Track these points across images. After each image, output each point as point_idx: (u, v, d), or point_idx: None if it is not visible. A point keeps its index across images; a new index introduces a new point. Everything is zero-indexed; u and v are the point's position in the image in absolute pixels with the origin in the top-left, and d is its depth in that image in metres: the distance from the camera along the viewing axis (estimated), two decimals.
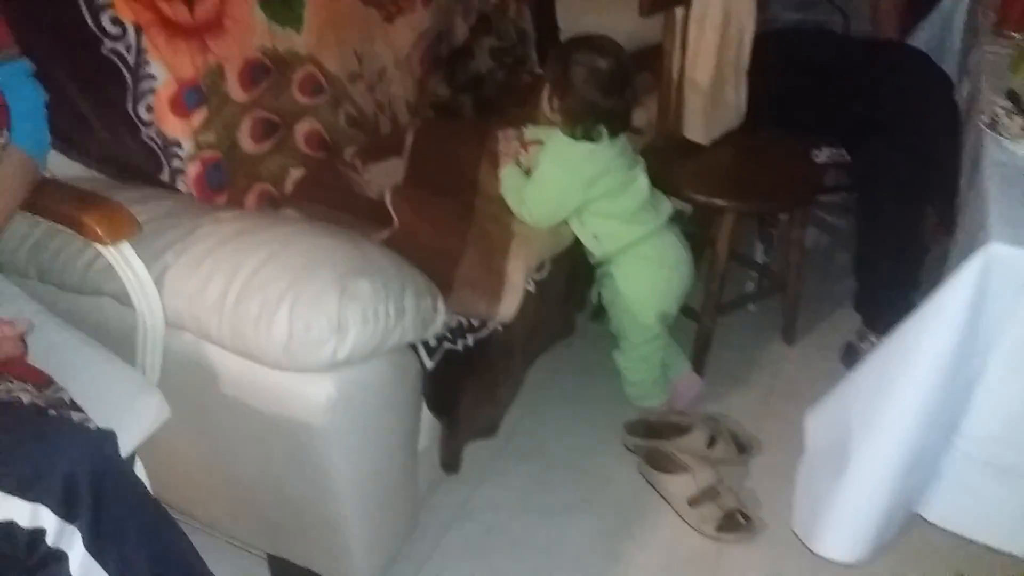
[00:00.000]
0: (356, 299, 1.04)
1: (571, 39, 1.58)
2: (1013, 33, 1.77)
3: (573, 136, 1.52)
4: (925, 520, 1.30)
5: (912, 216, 1.82)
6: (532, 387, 1.76)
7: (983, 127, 1.34)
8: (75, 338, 1.11)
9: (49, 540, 0.80)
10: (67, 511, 0.80)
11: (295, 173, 1.53)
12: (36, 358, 1.03)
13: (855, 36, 2.07)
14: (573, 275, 1.66)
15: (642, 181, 1.61)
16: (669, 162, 1.79)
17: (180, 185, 1.35)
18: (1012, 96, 1.45)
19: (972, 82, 1.68)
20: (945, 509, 1.27)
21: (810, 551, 1.34)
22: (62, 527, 0.80)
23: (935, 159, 1.74)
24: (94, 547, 0.82)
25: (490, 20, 1.97)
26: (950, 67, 1.99)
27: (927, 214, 1.87)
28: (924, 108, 1.78)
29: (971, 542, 1.31)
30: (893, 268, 1.83)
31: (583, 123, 1.51)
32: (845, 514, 1.25)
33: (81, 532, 0.81)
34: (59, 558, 0.81)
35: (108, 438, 0.87)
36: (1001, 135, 1.31)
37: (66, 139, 1.22)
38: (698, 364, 1.87)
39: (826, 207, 2.61)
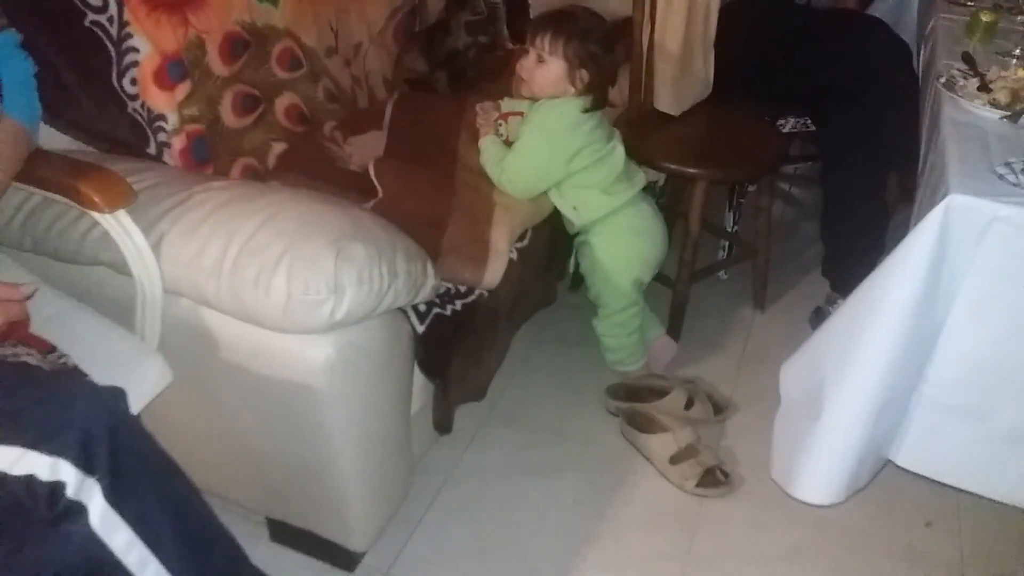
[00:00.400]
0: (351, 261, 1.07)
1: (576, 12, 1.60)
2: (966, 1, 1.85)
3: (584, 109, 1.57)
4: (897, 468, 1.36)
5: (875, 181, 1.89)
6: (517, 355, 1.80)
7: (940, 88, 1.41)
8: (73, 307, 1.12)
9: (69, 492, 0.82)
10: (86, 464, 0.82)
11: (277, 147, 1.55)
12: (36, 328, 1.05)
13: (817, 7, 2.13)
14: (553, 244, 1.70)
15: (619, 152, 1.65)
16: (642, 133, 1.84)
17: (166, 158, 1.36)
18: (967, 58, 1.52)
19: (929, 48, 1.75)
20: (913, 453, 1.34)
21: (786, 504, 1.41)
22: (81, 480, 0.82)
23: (897, 125, 1.81)
24: (113, 499, 0.84)
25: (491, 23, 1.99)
26: (908, 37, 2.06)
27: (890, 180, 1.94)
28: (885, 76, 1.85)
29: (941, 489, 1.39)
30: (858, 233, 1.90)
31: (604, 91, 1.59)
32: (820, 459, 1.30)
33: (100, 484, 0.83)
34: (79, 510, 0.83)
35: (118, 394, 0.89)
36: (957, 95, 1.37)
37: (54, 112, 1.22)
38: (674, 329, 1.93)
39: (791, 179, 2.70)
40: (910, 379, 1.25)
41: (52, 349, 1.02)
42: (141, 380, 1.06)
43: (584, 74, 1.57)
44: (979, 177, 1.14)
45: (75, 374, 0.98)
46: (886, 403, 1.24)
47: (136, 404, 1.04)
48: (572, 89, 1.58)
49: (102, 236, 1.11)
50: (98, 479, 0.84)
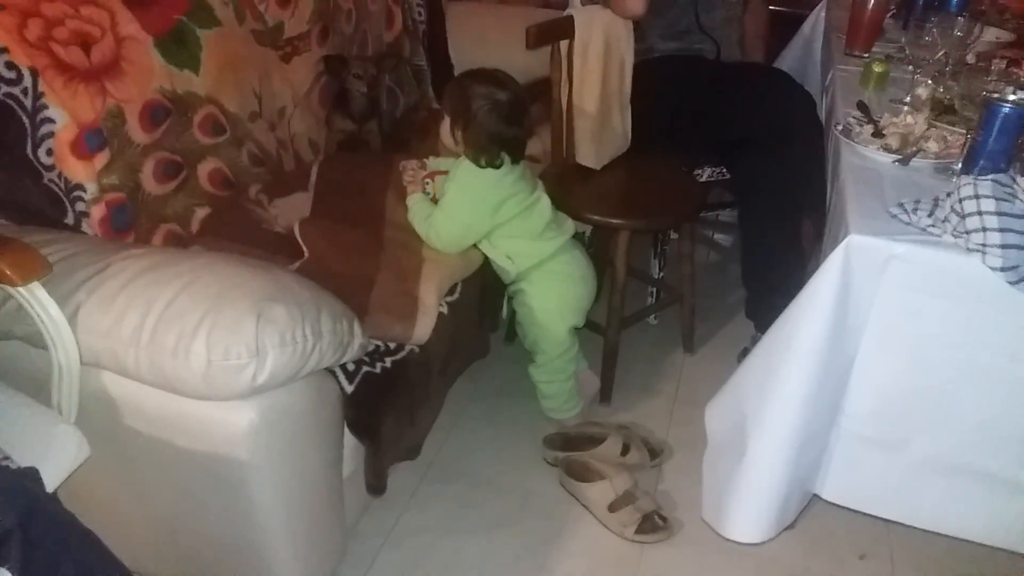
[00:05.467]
0: (273, 323, 1.07)
1: (466, 73, 1.65)
2: (860, 53, 1.98)
3: (478, 164, 1.58)
4: (828, 502, 1.40)
5: (789, 224, 1.97)
6: (452, 410, 1.81)
7: (838, 134, 1.49)
8: None
9: None
10: None
11: (200, 212, 1.55)
12: None
13: (726, 62, 2.24)
14: (484, 297, 1.72)
15: (545, 201, 1.69)
16: (565, 187, 1.89)
17: (85, 228, 1.35)
18: (862, 107, 1.61)
19: (830, 97, 1.86)
20: (837, 486, 1.38)
21: (725, 546, 1.43)
22: None
23: (805, 171, 1.89)
24: None
25: (385, 59, 2.04)
26: (813, 87, 2.18)
27: (804, 224, 2.03)
28: (792, 125, 1.94)
29: (873, 521, 1.43)
30: (777, 274, 1.97)
31: (487, 151, 1.58)
32: (747, 497, 1.33)
33: (12, 573, 0.80)
34: None
35: (31, 476, 0.87)
36: (854, 141, 1.46)
37: None
38: (607, 376, 1.95)
39: (714, 225, 2.79)
40: (828, 413, 1.30)
41: None
42: (58, 455, 1.03)
43: (458, 133, 1.60)
44: (875, 217, 1.21)
45: None
46: (806, 438, 1.28)
47: (53, 480, 1.01)
48: (459, 145, 1.61)
49: (16, 309, 1.09)
50: (9, 568, 0.81)
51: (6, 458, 0.94)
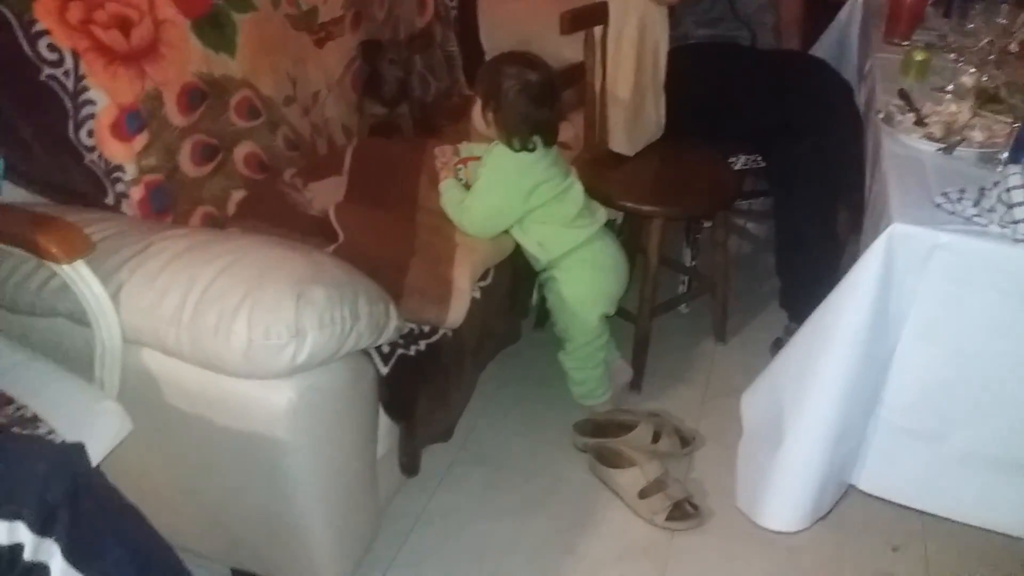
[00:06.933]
0: (312, 304, 1.07)
1: (499, 55, 1.64)
2: (900, 42, 1.94)
3: (511, 147, 1.58)
4: (863, 493, 1.39)
5: (825, 214, 1.95)
6: (484, 395, 1.81)
7: (880, 122, 1.47)
8: (31, 359, 1.11)
9: (27, 555, 0.80)
10: (43, 526, 0.80)
11: (237, 195, 1.56)
12: None
13: (761, 48, 2.21)
14: (515, 283, 1.72)
15: (578, 188, 1.69)
16: (598, 173, 1.88)
17: (125, 209, 1.36)
18: (903, 95, 1.59)
19: (868, 85, 1.83)
20: (874, 477, 1.37)
21: (756, 534, 1.42)
22: (39, 542, 0.80)
23: (843, 159, 1.87)
24: (74, 557, 0.82)
25: (415, 41, 2.04)
26: (849, 75, 2.15)
27: (840, 213, 2.00)
28: (828, 112, 1.91)
29: (906, 513, 1.41)
30: (812, 264, 1.95)
31: (519, 134, 1.58)
32: (783, 486, 1.33)
33: (59, 544, 0.82)
34: (41, 570, 0.81)
35: (77, 450, 0.88)
36: (895, 129, 1.43)
37: (9, 165, 1.22)
38: (637, 364, 1.94)
39: (746, 214, 2.76)
40: (866, 404, 1.28)
41: (9, 401, 1.00)
42: (100, 430, 1.05)
43: (489, 115, 1.60)
44: (919, 206, 1.19)
45: (32, 425, 0.96)
46: (844, 428, 1.27)
47: (96, 455, 1.02)
48: (490, 127, 1.61)
49: (60, 287, 1.10)
50: (56, 539, 0.82)
51: (51, 432, 0.96)
